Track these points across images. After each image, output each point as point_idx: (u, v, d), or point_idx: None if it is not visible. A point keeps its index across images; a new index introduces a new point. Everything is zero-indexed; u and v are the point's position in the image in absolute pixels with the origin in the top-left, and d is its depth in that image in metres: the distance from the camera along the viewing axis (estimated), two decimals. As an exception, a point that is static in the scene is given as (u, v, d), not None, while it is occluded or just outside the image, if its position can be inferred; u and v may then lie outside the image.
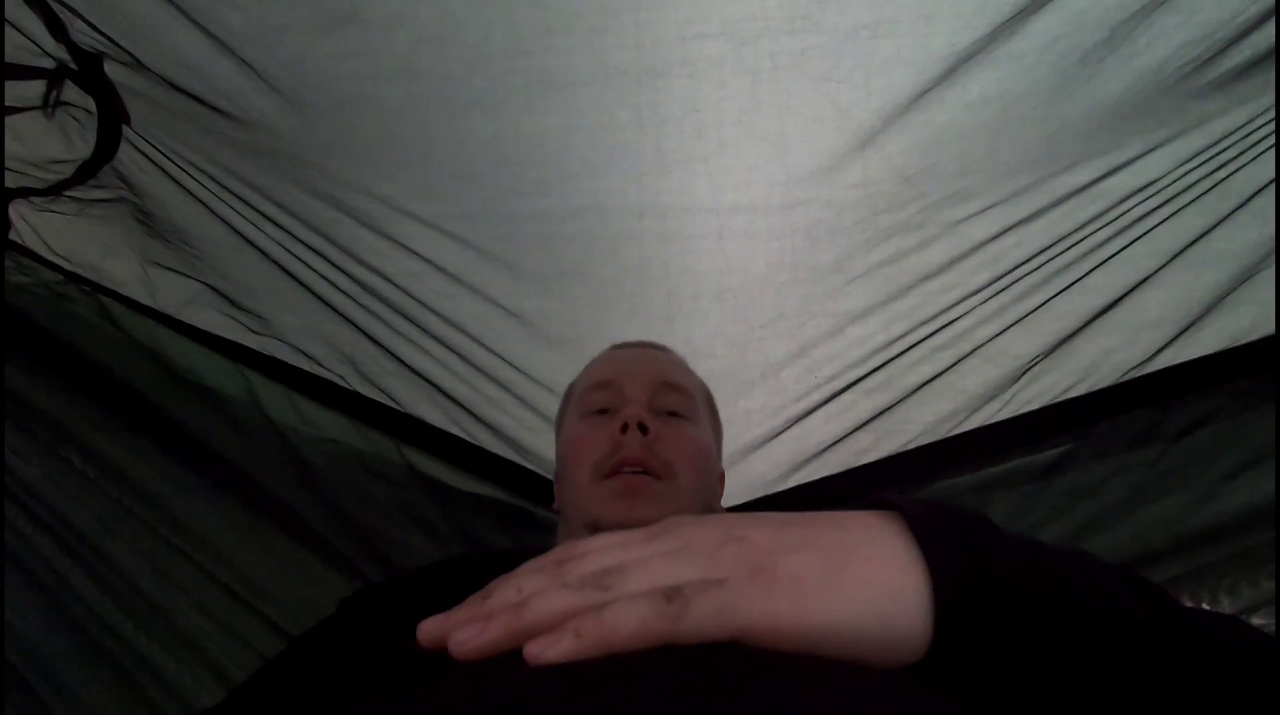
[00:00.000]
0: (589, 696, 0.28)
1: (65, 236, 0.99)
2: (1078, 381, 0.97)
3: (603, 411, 0.76)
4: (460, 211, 0.94)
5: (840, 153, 0.86)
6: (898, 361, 0.98)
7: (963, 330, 0.95)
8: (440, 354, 1.02)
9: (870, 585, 0.32)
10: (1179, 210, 0.86)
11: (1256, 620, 0.89)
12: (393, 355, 1.03)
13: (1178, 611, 0.34)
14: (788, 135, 0.85)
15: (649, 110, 0.84)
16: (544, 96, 0.84)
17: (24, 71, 0.85)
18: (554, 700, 0.28)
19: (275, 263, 0.99)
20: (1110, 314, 0.93)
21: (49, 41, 0.85)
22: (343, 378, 1.07)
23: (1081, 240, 0.89)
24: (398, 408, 1.07)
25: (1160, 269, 0.90)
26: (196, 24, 0.80)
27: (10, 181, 0.94)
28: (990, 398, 0.99)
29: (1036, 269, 0.91)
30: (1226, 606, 0.90)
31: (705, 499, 0.74)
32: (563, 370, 0.93)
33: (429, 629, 0.34)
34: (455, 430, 1.08)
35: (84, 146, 0.93)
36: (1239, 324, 0.92)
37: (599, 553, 0.35)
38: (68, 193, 0.96)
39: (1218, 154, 0.84)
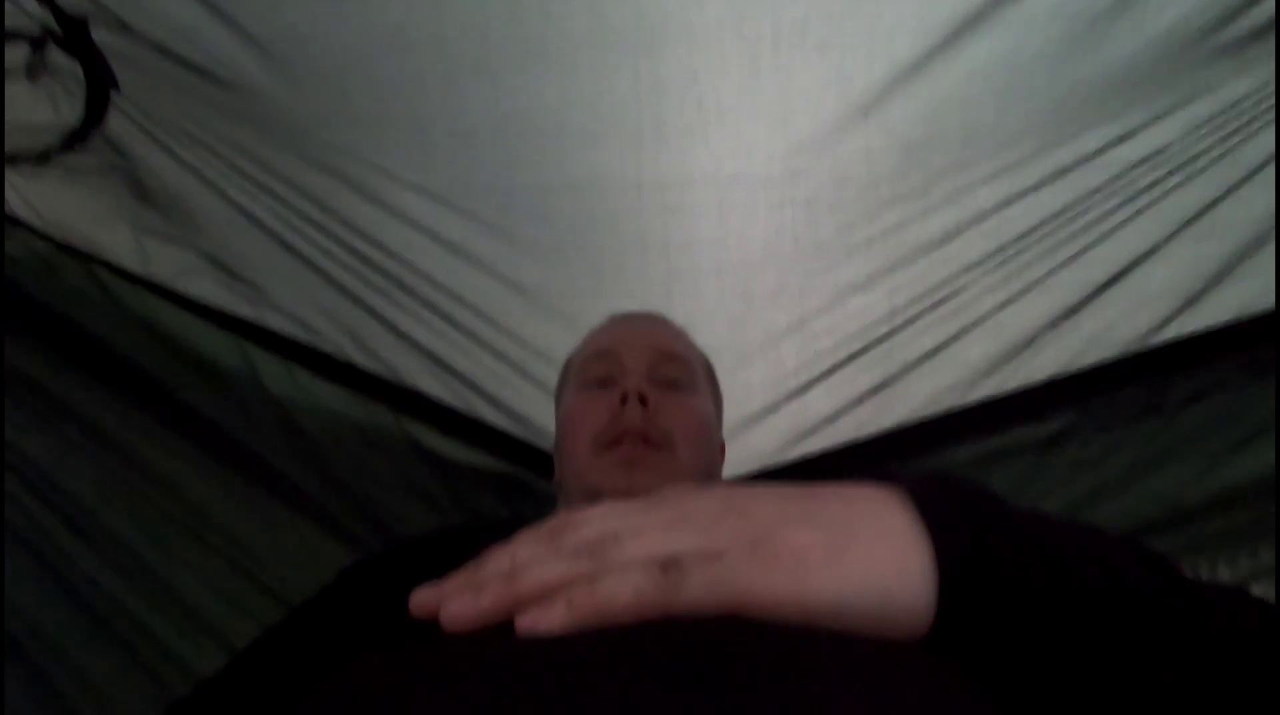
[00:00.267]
0: (579, 669, 0.28)
1: (56, 205, 0.98)
2: (1080, 354, 0.97)
3: (602, 383, 0.75)
4: (458, 182, 0.92)
5: (842, 121, 0.84)
6: (899, 334, 0.97)
7: (965, 301, 0.94)
8: (439, 325, 1.01)
9: (873, 563, 0.31)
10: (1186, 179, 0.85)
11: (1255, 590, 0.90)
12: (391, 326, 1.03)
13: (1184, 584, 0.33)
14: (789, 104, 0.84)
15: (648, 78, 0.83)
16: (541, 64, 0.82)
17: (8, 35, 0.83)
18: (543, 672, 0.28)
19: (270, 232, 0.98)
20: (1115, 286, 0.92)
21: (31, 3, 0.83)
22: (340, 349, 1.06)
23: (1087, 210, 0.88)
24: (396, 379, 1.07)
25: (1167, 240, 0.89)
26: (185, -14, 0.78)
27: (-2, 149, 0.93)
28: (991, 371, 0.99)
29: (1040, 239, 0.90)
30: (1225, 577, 0.91)
31: (705, 470, 0.74)
32: (562, 341, 0.92)
33: (422, 598, 0.33)
34: (454, 402, 1.07)
35: (72, 113, 0.91)
36: (1244, 296, 0.91)
37: (595, 522, 0.35)
38: (57, 160, 0.95)
39: (1227, 122, 0.83)
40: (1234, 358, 0.93)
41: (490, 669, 0.29)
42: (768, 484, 0.38)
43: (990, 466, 1.00)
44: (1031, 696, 0.31)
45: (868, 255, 0.93)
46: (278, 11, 0.80)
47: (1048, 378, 0.98)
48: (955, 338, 0.97)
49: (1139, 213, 0.88)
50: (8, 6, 0.83)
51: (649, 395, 0.70)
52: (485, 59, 0.82)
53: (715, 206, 0.91)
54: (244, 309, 1.04)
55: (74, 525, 0.96)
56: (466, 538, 0.64)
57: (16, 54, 0.86)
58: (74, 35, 0.86)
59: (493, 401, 1.06)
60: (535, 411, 1.05)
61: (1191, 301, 0.92)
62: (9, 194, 0.96)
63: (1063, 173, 0.86)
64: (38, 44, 0.86)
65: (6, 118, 0.89)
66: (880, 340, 0.97)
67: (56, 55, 0.87)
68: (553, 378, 0.91)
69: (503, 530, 0.39)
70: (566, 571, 0.32)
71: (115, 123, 0.93)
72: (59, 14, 0.84)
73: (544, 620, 0.30)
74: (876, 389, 1.00)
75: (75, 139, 0.93)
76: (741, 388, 1.00)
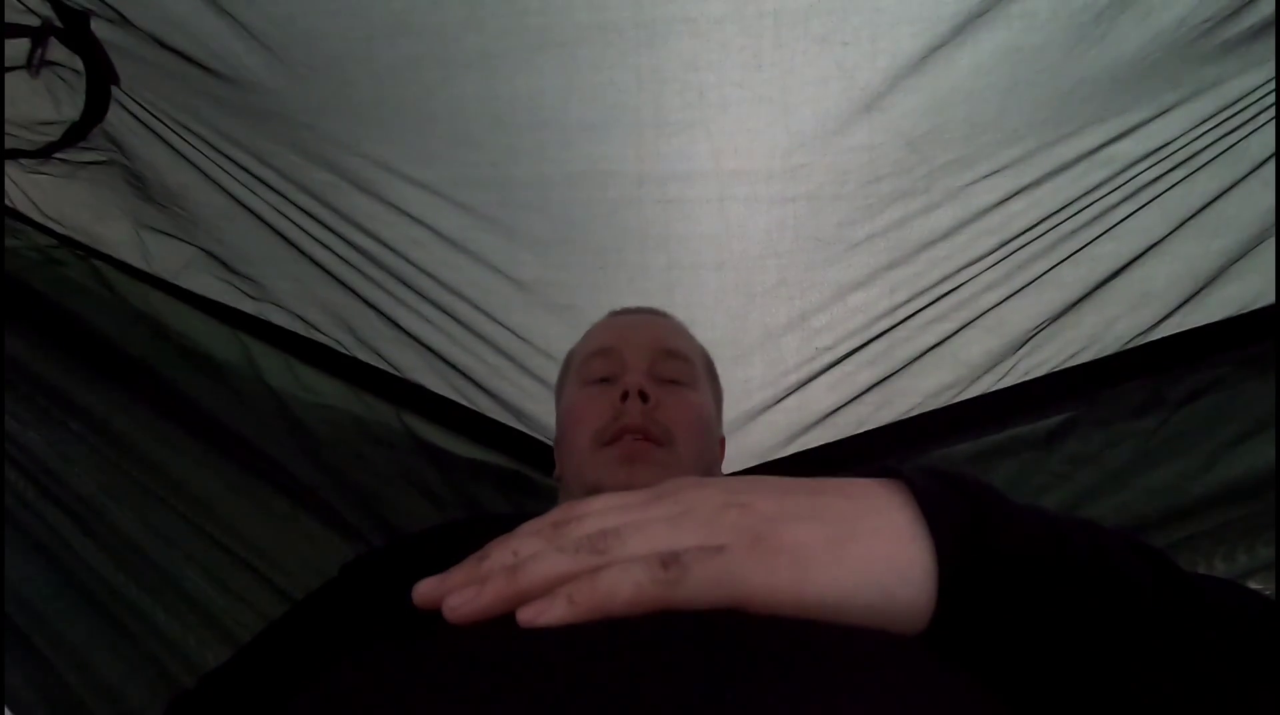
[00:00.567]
0: (580, 662, 0.28)
1: (56, 200, 0.98)
2: (1081, 350, 0.96)
3: (603, 379, 0.75)
4: (457, 176, 0.92)
5: (844, 116, 0.84)
6: (899, 329, 0.97)
7: (966, 297, 0.94)
8: (439, 320, 1.01)
9: (874, 558, 0.31)
10: (1189, 175, 0.85)
11: (1252, 586, 0.90)
12: (391, 321, 1.03)
13: (1183, 578, 0.33)
14: (791, 97, 0.83)
15: (649, 71, 0.82)
16: (542, 56, 0.82)
17: (8, 29, 0.83)
18: (544, 665, 0.28)
19: (270, 227, 0.98)
20: (1116, 282, 0.92)
21: (33, -3, 0.83)
22: (341, 344, 1.06)
23: (1089, 206, 0.88)
24: (396, 374, 1.07)
25: (1169, 236, 0.89)
26: (184, -21, 0.78)
27: (-1, 143, 0.92)
28: (991, 368, 0.99)
29: (1042, 235, 0.90)
30: (1222, 572, 0.91)
31: (706, 465, 0.74)
32: (562, 337, 0.92)
33: (424, 590, 0.34)
34: (454, 396, 1.07)
35: (73, 108, 0.91)
36: (1245, 292, 0.91)
37: (597, 515, 0.35)
38: (57, 155, 0.95)
39: (1230, 118, 0.83)
40: (1234, 354, 0.93)
41: (492, 661, 0.29)
42: (769, 476, 0.37)
43: (990, 461, 1.00)
44: (1031, 689, 0.31)
45: (869, 250, 0.93)
46: (277, 4, 0.80)
47: (1048, 373, 0.98)
48: (956, 333, 0.97)
49: (1140, 209, 0.88)
50: (9, 0, 0.82)
51: (650, 392, 0.70)
52: (485, 50, 0.82)
53: (716, 200, 0.91)
54: (244, 303, 1.04)
55: (75, 517, 0.96)
56: (468, 532, 0.65)
57: (17, 48, 0.86)
58: (75, 29, 0.85)
59: (492, 395, 1.06)
60: (535, 406, 1.05)
61: (1193, 296, 0.92)
62: (10, 188, 0.96)
63: (1065, 168, 0.86)
64: (39, 38, 0.85)
65: (7, 112, 0.89)
66: (881, 336, 0.97)
67: (57, 49, 0.87)
68: (552, 372, 0.91)
69: (504, 525, 0.39)
70: (568, 566, 0.32)
71: (115, 117, 0.93)
72: (60, 8, 0.84)
73: (545, 614, 0.30)
74: (877, 384, 1.00)
75: (76, 133, 0.93)
76: (741, 383, 1.00)
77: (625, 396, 0.70)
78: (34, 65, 0.87)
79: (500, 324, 1.01)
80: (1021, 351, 0.97)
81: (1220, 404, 0.93)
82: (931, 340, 0.97)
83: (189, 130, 0.93)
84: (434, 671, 0.29)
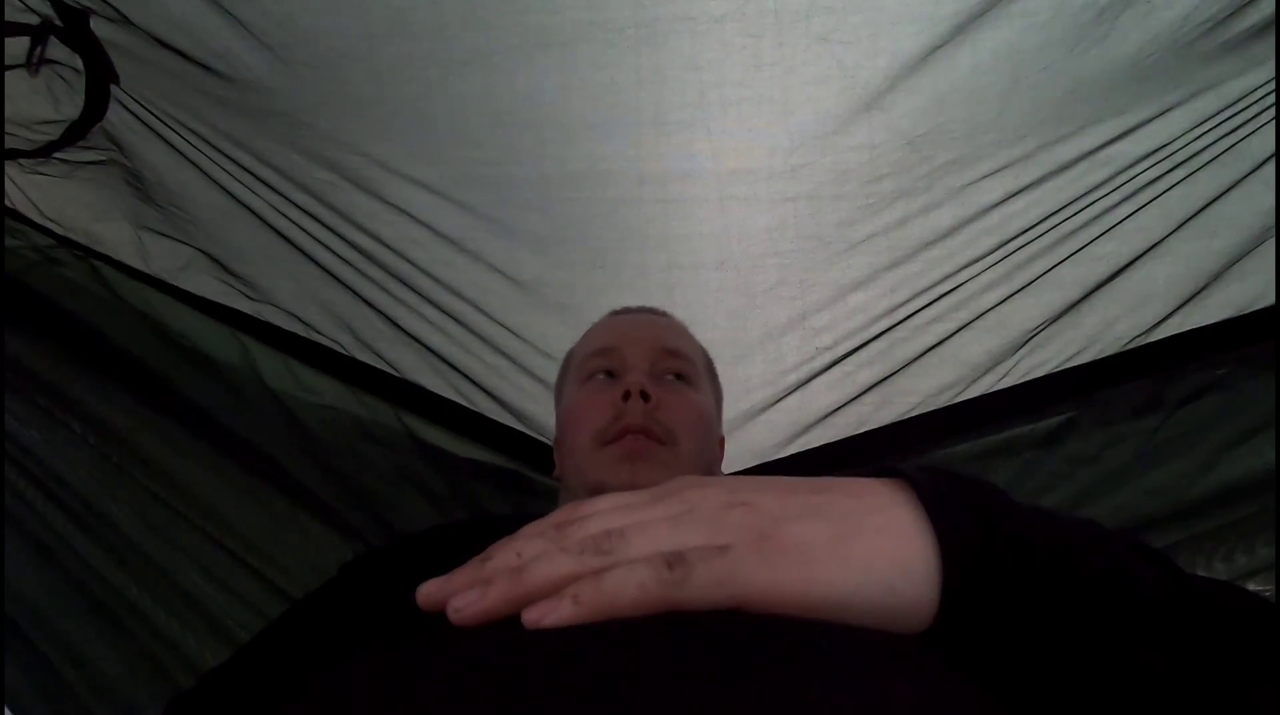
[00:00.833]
0: (585, 662, 0.28)
1: (55, 199, 0.97)
2: (1081, 350, 0.97)
3: (604, 378, 0.75)
4: (457, 174, 0.92)
5: (845, 115, 0.84)
6: (899, 329, 0.97)
7: (966, 297, 0.94)
8: (438, 320, 1.01)
9: (878, 556, 0.31)
10: (1190, 175, 0.85)
11: (1252, 586, 0.90)
12: (390, 321, 1.03)
13: (1184, 579, 0.33)
14: (791, 96, 0.83)
15: (649, 70, 0.82)
16: (541, 55, 0.82)
17: (8, 28, 0.83)
18: (549, 666, 0.28)
19: (270, 226, 0.98)
20: (1117, 282, 0.92)
21: (33, -5, 0.83)
22: (340, 344, 1.06)
23: (1090, 205, 0.88)
24: (395, 374, 1.07)
25: (1169, 236, 0.89)
26: (183, -22, 0.78)
27: (-2, 142, 0.92)
28: (991, 368, 0.99)
29: (1043, 235, 0.90)
30: (1222, 573, 0.91)
31: (706, 464, 0.74)
32: (561, 336, 0.92)
33: (428, 592, 0.33)
34: (453, 396, 1.07)
35: (72, 107, 0.91)
36: (1245, 292, 0.91)
37: (600, 516, 0.35)
38: (57, 154, 0.94)
39: (1231, 118, 0.83)
40: (1234, 354, 0.93)
41: (498, 663, 0.29)
42: (771, 475, 0.37)
43: (991, 461, 1.00)
44: (1033, 688, 0.31)
45: (869, 250, 0.93)
46: (277, 2, 0.79)
47: (1048, 373, 0.98)
48: (956, 333, 0.97)
49: (1141, 209, 0.88)
50: (8, -2, 0.82)
51: (651, 392, 0.70)
52: (484, 49, 0.82)
53: (716, 199, 0.91)
54: (243, 304, 1.04)
55: (75, 516, 0.96)
56: (468, 533, 0.64)
57: (17, 46, 0.85)
58: (74, 28, 0.85)
59: (491, 395, 1.06)
60: (534, 406, 1.05)
61: (1193, 297, 0.92)
62: (9, 188, 0.95)
63: (1065, 168, 0.86)
64: (38, 36, 0.85)
65: (6, 111, 0.89)
66: (881, 335, 0.97)
67: (57, 48, 0.87)
68: (552, 372, 0.90)
69: (503, 526, 0.39)
70: (573, 567, 0.32)
71: (114, 116, 0.93)
72: (60, 6, 0.84)
73: (551, 615, 0.30)
74: (877, 384, 1.00)
75: (75, 133, 0.92)
76: (741, 382, 1.00)
77: (627, 396, 0.70)
78: (33, 64, 0.86)
79: (500, 323, 1.01)
80: (1022, 351, 0.97)
81: (1220, 404, 0.93)
82: (931, 340, 0.97)
83: (188, 129, 0.93)
84: (439, 673, 0.29)
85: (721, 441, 0.84)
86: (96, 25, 0.86)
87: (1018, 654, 0.31)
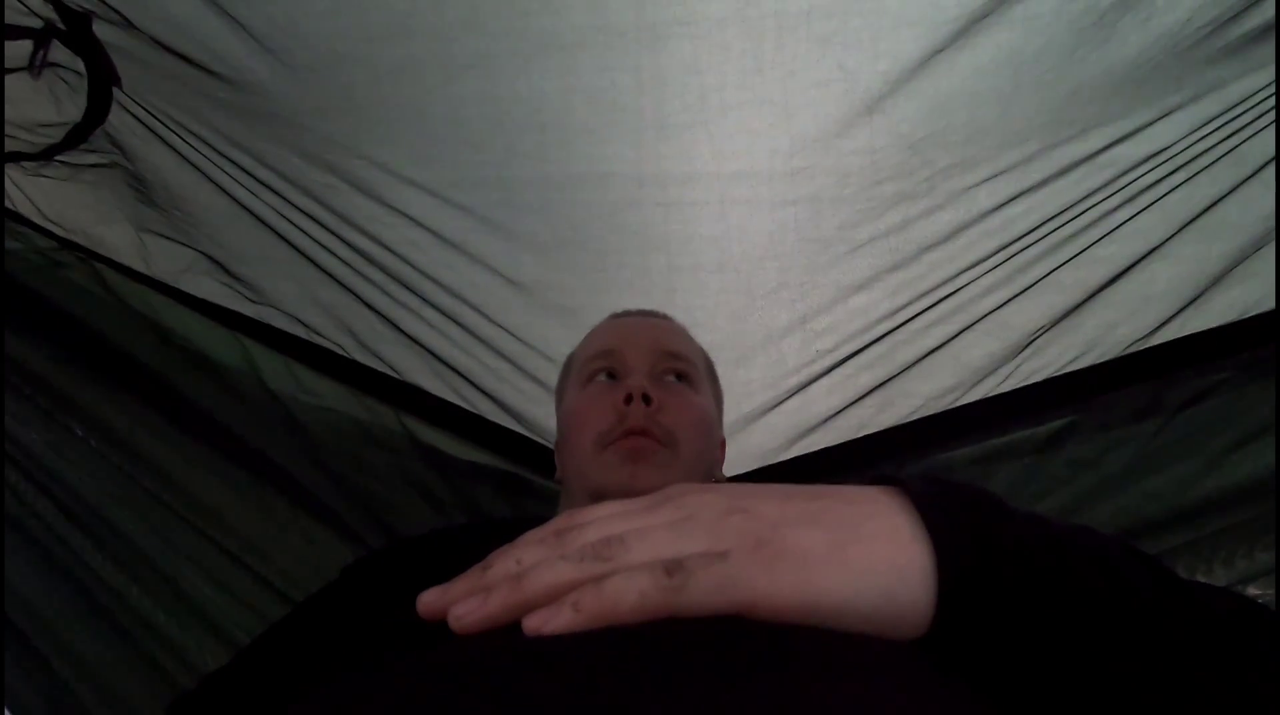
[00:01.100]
0: (585, 670, 0.28)
1: (57, 202, 0.98)
2: (1081, 354, 0.97)
3: (605, 381, 0.75)
4: (457, 177, 0.92)
5: (846, 118, 0.84)
6: (900, 332, 0.97)
7: (967, 300, 0.94)
8: (438, 322, 1.01)
9: (875, 562, 0.32)
10: (1190, 179, 0.85)
11: (1250, 592, 0.90)
12: (391, 323, 1.03)
13: (1179, 585, 0.33)
14: (792, 99, 0.83)
15: (650, 73, 0.82)
16: (542, 58, 0.82)
17: (10, 31, 0.83)
18: (550, 673, 0.28)
19: (271, 229, 0.98)
20: (1118, 285, 0.92)
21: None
22: (340, 346, 1.06)
23: (1091, 208, 0.88)
24: (396, 376, 1.07)
25: (1170, 239, 0.89)
26: (185, -19, 0.78)
27: (0, 145, 0.92)
28: (992, 371, 0.99)
29: (1044, 238, 0.90)
30: (1221, 577, 0.91)
31: (707, 466, 0.74)
32: (562, 339, 0.92)
33: (428, 601, 0.34)
34: (454, 399, 1.07)
35: (74, 109, 0.91)
36: (1246, 296, 0.91)
37: (600, 523, 0.35)
38: (59, 157, 0.94)
39: (1231, 121, 0.83)
40: (1235, 358, 0.93)
41: (498, 670, 0.29)
42: (770, 482, 0.38)
43: (990, 465, 1.00)
44: (1029, 696, 0.31)
45: (870, 253, 0.93)
46: (278, 6, 0.80)
47: (1049, 377, 0.98)
48: (957, 336, 0.97)
49: (1142, 212, 0.88)
50: (10, 2, 0.82)
51: (653, 394, 0.70)
52: (485, 52, 0.82)
53: (717, 202, 0.91)
54: (245, 306, 1.04)
55: (76, 518, 0.96)
56: (469, 537, 0.65)
57: (19, 49, 0.86)
58: (77, 31, 0.85)
59: (492, 398, 1.06)
60: (535, 408, 1.05)
61: (1194, 301, 0.92)
62: (11, 191, 0.96)
63: (1066, 171, 0.86)
64: (40, 40, 0.85)
65: (8, 114, 0.89)
66: (882, 338, 0.97)
67: (59, 51, 0.87)
68: (552, 374, 0.91)
69: (505, 530, 0.39)
70: (573, 574, 0.32)
71: (116, 119, 0.93)
72: (62, 9, 0.84)
73: (551, 622, 0.30)
74: (878, 387, 1.00)
75: (77, 135, 0.92)
76: (742, 385, 1.00)
77: (628, 399, 0.70)
78: (35, 67, 0.87)
79: (500, 326, 1.01)
80: (1023, 355, 0.97)
81: (1221, 409, 0.93)
82: (932, 343, 0.97)
83: (190, 132, 0.93)
84: (441, 681, 0.29)
85: (723, 444, 0.84)
86: (99, 28, 0.86)
87: (1013, 660, 0.31)
